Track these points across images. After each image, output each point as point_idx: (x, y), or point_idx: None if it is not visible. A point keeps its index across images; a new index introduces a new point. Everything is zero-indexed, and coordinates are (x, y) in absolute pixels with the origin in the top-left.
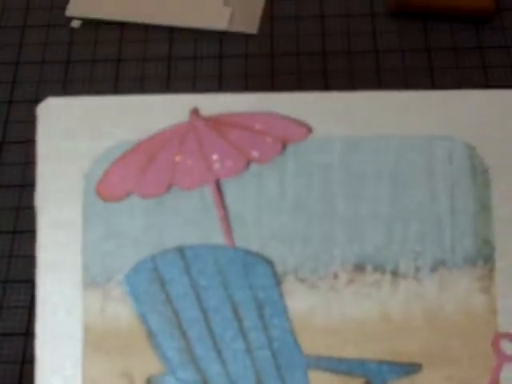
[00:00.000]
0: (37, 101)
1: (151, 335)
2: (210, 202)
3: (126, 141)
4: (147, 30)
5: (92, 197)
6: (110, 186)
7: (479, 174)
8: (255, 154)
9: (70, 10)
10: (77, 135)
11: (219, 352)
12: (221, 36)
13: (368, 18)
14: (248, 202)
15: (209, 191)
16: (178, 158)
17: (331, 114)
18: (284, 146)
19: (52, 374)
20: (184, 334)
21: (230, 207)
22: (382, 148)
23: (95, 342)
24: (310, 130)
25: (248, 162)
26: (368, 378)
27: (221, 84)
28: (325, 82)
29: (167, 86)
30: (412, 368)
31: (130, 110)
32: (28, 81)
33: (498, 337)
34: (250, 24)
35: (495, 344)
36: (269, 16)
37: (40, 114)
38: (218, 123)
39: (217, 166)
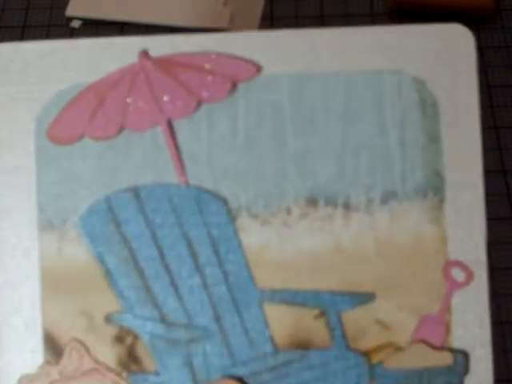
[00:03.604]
0: None
1: (108, 275)
2: (163, 142)
3: (77, 84)
4: (147, 30)
5: (44, 141)
6: (62, 129)
7: (428, 107)
8: (205, 93)
9: (70, 10)
10: (27, 80)
11: (176, 288)
12: None
13: (368, 18)
14: (200, 141)
15: (161, 132)
16: (128, 100)
17: (279, 51)
18: (234, 85)
19: (12, 314)
20: (141, 272)
21: (182, 147)
22: (331, 84)
23: (53, 282)
24: (258, 68)
25: (199, 102)
26: (322, 308)
27: None
28: None
29: None
30: (365, 297)
31: (79, 52)
32: None
33: (449, 265)
34: (250, 24)
35: (446, 272)
36: (269, 16)
37: None
38: (167, 64)
39: (168, 106)
